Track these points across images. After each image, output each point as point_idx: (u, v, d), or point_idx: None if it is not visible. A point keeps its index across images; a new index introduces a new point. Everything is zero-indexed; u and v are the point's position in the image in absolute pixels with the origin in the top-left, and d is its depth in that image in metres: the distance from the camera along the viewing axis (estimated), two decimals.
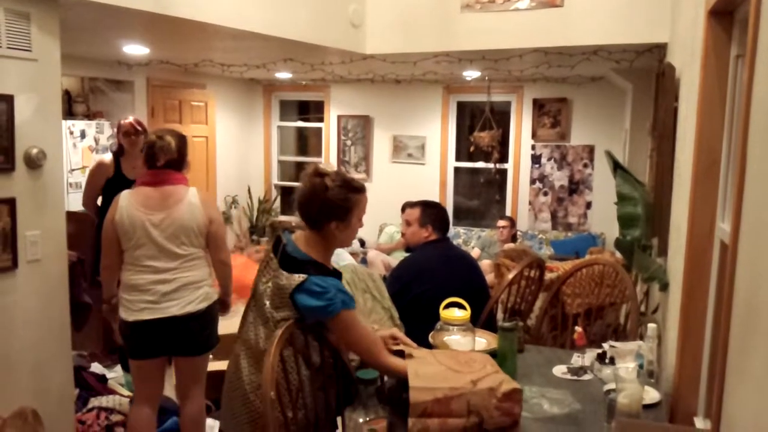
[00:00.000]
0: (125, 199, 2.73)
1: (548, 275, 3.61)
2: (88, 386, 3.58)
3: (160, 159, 2.75)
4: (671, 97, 3.07)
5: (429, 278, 2.99)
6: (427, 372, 1.81)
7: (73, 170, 5.28)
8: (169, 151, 2.77)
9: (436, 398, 1.71)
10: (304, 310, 1.90)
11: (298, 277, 1.88)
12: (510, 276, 3.16)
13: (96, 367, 3.85)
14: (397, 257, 5.34)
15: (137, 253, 2.70)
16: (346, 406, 1.78)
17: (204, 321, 2.80)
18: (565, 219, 6.77)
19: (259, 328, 1.96)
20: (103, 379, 3.74)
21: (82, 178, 4.93)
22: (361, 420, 1.67)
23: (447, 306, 2.36)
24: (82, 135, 5.39)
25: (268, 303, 1.93)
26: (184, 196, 2.75)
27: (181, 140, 2.86)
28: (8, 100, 2.57)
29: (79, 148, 5.36)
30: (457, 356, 1.99)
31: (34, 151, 2.68)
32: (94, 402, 3.40)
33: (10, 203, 2.61)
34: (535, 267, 3.31)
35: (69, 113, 5.58)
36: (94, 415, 3.29)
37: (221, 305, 2.96)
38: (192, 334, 2.77)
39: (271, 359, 1.74)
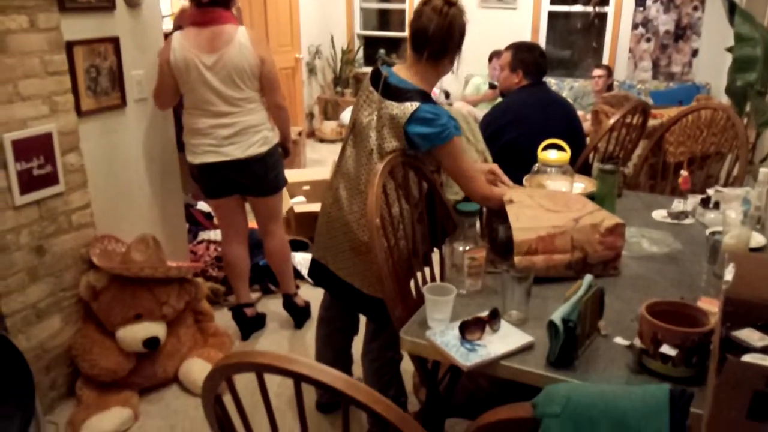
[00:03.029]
0: (177, 40, 2.67)
1: (651, 122, 3.44)
2: (196, 222, 3.86)
3: None
4: None
5: (523, 123, 2.92)
6: (527, 214, 1.82)
7: (164, 17, 5.31)
8: None
9: (539, 236, 1.74)
10: (417, 139, 1.91)
11: (411, 106, 1.88)
12: (611, 121, 3.03)
13: (202, 205, 4.12)
14: (483, 109, 5.22)
15: (195, 97, 2.70)
16: (446, 237, 1.83)
17: (267, 164, 2.83)
18: (668, 68, 6.31)
19: (360, 161, 2.00)
20: (209, 216, 4.01)
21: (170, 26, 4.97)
22: (461, 248, 1.72)
23: (545, 148, 2.31)
24: None
25: (374, 136, 1.95)
26: (234, 36, 2.66)
27: None
28: None
29: None
30: (554, 197, 1.98)
31: None
32: (203, 235, 3.68)
33: (114, 42, 2.69)
34: (639, 112, 3.14)
35: None
36: (203, 246, 3.58)
37: (282, 150, 2.98)
38: (257, 176, 2.82)
39: (375, 190, 1.79)
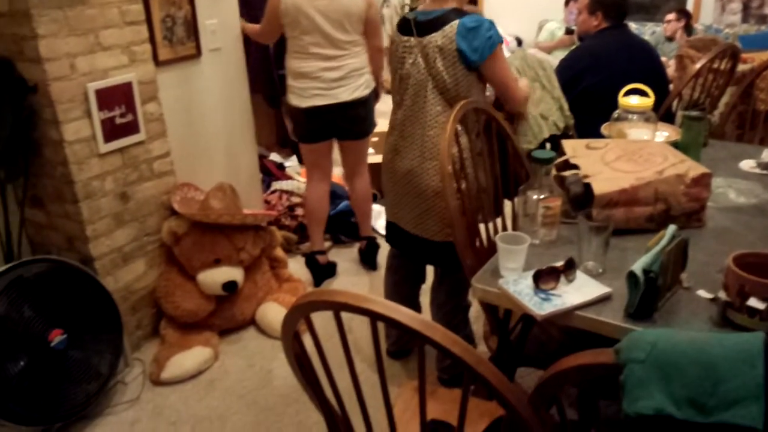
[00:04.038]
0: None
1: (740, 67, 3.22)
2: (269, 172, 3.94)
3: None
4: None
5: (603, 67, 2.80)
6: (604, 168, 1.75)
7: None
8: None
9: (622, 189, 1.67)
10: (472, 55, 1.93)
11: (451, 27, 1.92)
12: (697, 66, 2.86)
13: (274, 156, 4.20)
14: (558, 56, 5.02)
15: (304, 40, 2.75)
16: (520, 186, 1.80)
17: (368, 106, 2.93)
18: (760, 10, 5.85)
19: (415, 108, 2.04)
20: (281, 166, 4.09)
21: None
22: (535, 197, 1.68)
23: (626, 94, 2.21)
24: None
25: (425, 78, 1.99)
26: None
27: None
28: None
29: None
30: (632, 156, 1.89)
31: None
32: (276, 185, 3.76)
33: None
34: (728, 57, 2.94)
35: None
36: (277, 196, 3.66)
37: (375, 93, 3.05)
38: (359, 118, 2.91)
39: (447, 136, 1.77)
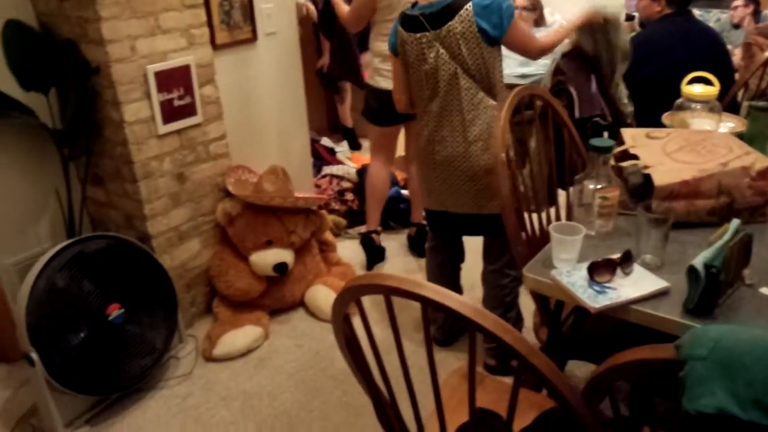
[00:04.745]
0: None
1: None
2: (320, 156, 3.98)
3: None
4: None
5: (664, 55, 2.70)
6: (666, 159, 1.69)
7: None
8: None
9: (684, 180, 1.61)
10: (494, 31, 1.95)
11: (465, 10, 1.94)
12: (766, 55, 2.72)
13: (326, 141, 4.23)
14: None
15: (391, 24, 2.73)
16: (576, 174, 1.76)
17: None
18: None
19: (449, 97, 2.05)
20: (332, 151, 4.12)
21: None
22: (591, 186, 1.64)
23: (689, 82, 2.13)
24: None
25: (452, 67, 1.99)
26: None
27: None
28: None
29: None
30: (695, 147, 1.82)
31: None
32: (327, 170, 3.79)
33: None
34: None
35: None
36: (327, 180, 3.69)
37: None
38: None
39: (501, 123, 1.74)
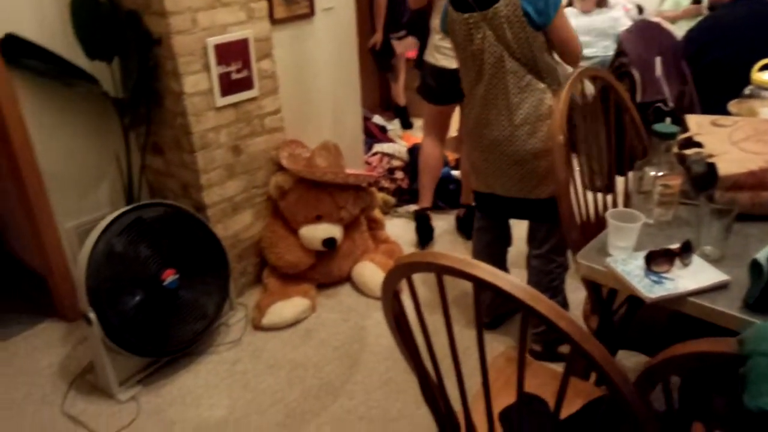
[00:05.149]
0: None
1: None
2: (371, 134, 3.98)
3: None
4: None
5: (733, 40, 2.58)
6: (732, 148, 1.63)
7: None
8: None
9: (749, 171, 1.55)
10: (536, 17, 1.90)
11: None
12: None
13: (377, 119, 4.23)
14: (682, 27, 4.67)
15: None
16: (636, 160, 1.71)
17: None
18: None
19: (494, 80, 2.01)
20: (383, 129, 4.11)
21: None
22: (653, 173, 1.59)
23: (761, 69, 2.03)
24: None
25: (499, 50, 1.96)
26: None
27: None
28: None
29: None
30: (763, 136, 1.74)
31: None
32: (377, 148, 3.79)
33: None
34: None
35: None
36: (377, 158, 3.70)
37: None
38: None
39: (560, 106, 1.70)
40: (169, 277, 2.23)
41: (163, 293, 2.22)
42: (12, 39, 2.21)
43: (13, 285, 2.96)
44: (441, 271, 0.98)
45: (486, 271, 0.91)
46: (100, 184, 2.62)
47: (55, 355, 2.47)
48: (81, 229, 2.53)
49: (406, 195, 3.60)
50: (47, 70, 2.30)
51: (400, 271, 1.06)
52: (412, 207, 3.42)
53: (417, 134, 4.12)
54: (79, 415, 2.16)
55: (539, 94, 2.00)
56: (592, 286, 1.69)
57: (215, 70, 2.43)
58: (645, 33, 3.02)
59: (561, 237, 2.21)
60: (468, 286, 2.59)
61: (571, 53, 2.02)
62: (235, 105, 2.55)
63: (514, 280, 0.90)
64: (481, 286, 0.93)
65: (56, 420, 2.15)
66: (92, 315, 2.07)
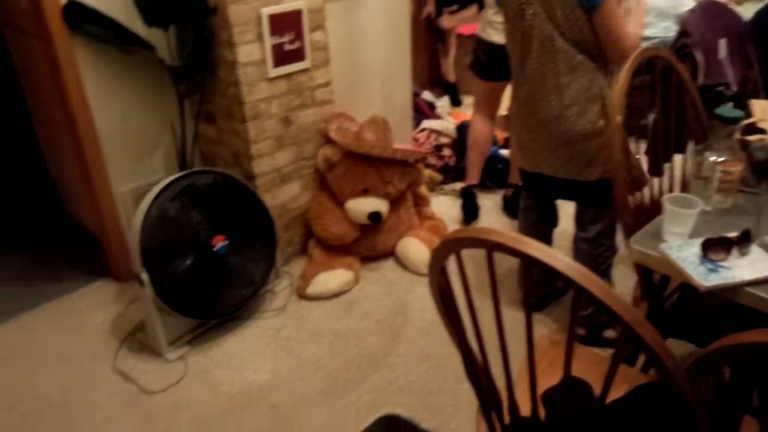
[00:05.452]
0: None
1: None
2: (420, 110, 3.95)
3: None
4: None
5: None
6: None
7: None
8: None
9: None
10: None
11: None
12: None
13: (427, 95, 4.19)
14: (749, 9, 4.46)
15: None
16: (698, 144, 1.66)
17: None
18: None
19: (543, 59, 1.97)
20: (432, 105, 4.08)
21: None
22: (713, 159, 1.54)
23: None
24: None
25: (550, 27, 1.91)
26: None
27: None
28: None
29: None
30: None
31: None
32: (426, 124, 3.76)
33: None
34: None
35: None
36: (425, 134, 3.67)
37: None
38: None
39: (620, 86, 1.66)
40: (219, 242, 2.28)
41: (213, 258, 2.27)
42: (74, 5, 2.26)
43: (70, 244, 3.08)
44: (491, 247, 0.97)
45: (537, 249, 0.90)
46: (154, 150, 2.69)
47: (108, 313, 2.57)
48: (136, 192, 2.61)
49: (452, 173, 3.58)
50: (106, 36, 2.35)
51: (450, 246, 1.05)
52: (458, 185, 3.40)
53: (466, 112, 4.07)
54: (129, 372, 2.25)
55: (590, 74, 1.95)
56: (643, 272, 1.66)
57: (269, 41, 2.44)
58: (710, 13, 2.91)
59: (610, 220, 2.16)
60: (512, 265, 2.57)
61: (614, 48, 1.89)
62: (287, 76, 2.56)
63: (567, 259, 0.88)
64: (532, 264, 0.92)
65: (108, 375, 2.24)
66: (145, 276, 2.14)
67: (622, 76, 1.67)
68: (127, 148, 2.60)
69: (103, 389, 2.18)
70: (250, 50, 2.40)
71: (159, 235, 2.16)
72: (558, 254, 0.90)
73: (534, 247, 0.91)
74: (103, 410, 2.09)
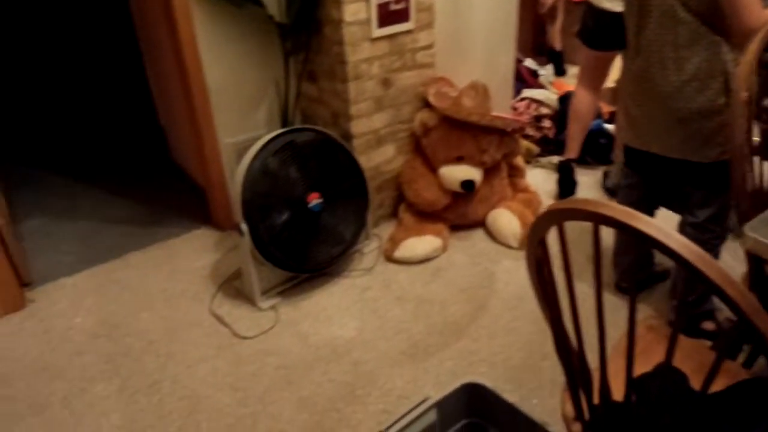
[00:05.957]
0: None
1: None
2: (522, 78, 3.83)
3: None
4: None
5: None
6: None
7: None
8: None
9: None
10: None
11: None
12: None
13: (529, 63, 4.06)
14: None
15: None
16: None
17: None
18: None
19: (662, 31, 1.85)
20: (535, 74, 3.95)
21: None
22: None
23: None
24: None
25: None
26: None
27: None
28: None
29: None
30: None
31: None
32: (526, 93, 3.65)
33: None
34: None
35: None
36: (525, 104, 3.57)
37: None
38: None
39: (748, 59, 1.53)
40: (314, 200, 2.33)
41: (308, 215, 2.33)
42: None
43: (175, 192, 3.25)
44: (600, 220, 0.93)
45: (652, 225, 0.86)
46: (259, 106, 2.77)
47: (207, 258, 2.70)
48: (239, 146, 2.71)
49: (551, 145, 3.47)
50: None
51: (553, 217, 1.02)
52: (556, 158, 3.30)
53: (570, 83, 3.91)
54: (224, 316, 2.37)
55: (714, 47, 1.81)
56: (754, 261, 1.55)
57: (374, 0, 2.43)
58: None
59: (722, 205, 2.03)
60: (609, 243, 2.48)
61: (737, 23, 1.71)
62: (390, 37, 2.55)
63: (683, 238, 0.83)
64: (643, 241, 0.88)
65: (204, 317, 2.37)
66: (244, 227, 2.23)
67: (754, 47, 1.54)
68: (233, 103, 2.69)
69: (199, 330, 2.31)
70: (357, 9, 2.41)
71: (260, 188, 2.24)
72: (674, 233, 0.85)
73: (648, 224, 0.86)
74: (198, 350, 2.22)
